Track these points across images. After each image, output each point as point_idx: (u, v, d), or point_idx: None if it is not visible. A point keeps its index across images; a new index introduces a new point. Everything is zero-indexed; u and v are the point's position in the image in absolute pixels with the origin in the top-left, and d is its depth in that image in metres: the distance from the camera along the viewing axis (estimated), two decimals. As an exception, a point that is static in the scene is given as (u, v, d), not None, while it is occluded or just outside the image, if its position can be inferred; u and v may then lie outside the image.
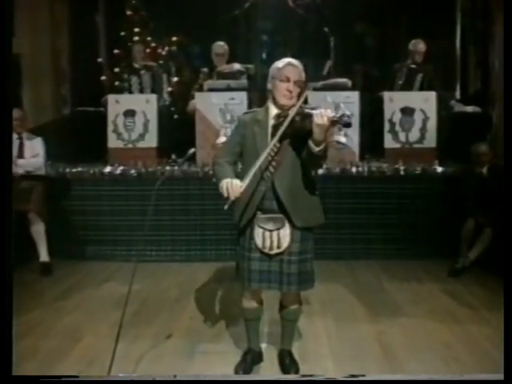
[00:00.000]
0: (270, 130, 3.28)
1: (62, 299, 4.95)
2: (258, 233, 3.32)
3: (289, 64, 3.27)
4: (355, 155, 6.42)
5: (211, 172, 5.99)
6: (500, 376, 2.58)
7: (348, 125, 3.03)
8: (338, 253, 6.14)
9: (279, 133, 3.16)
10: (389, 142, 6.51)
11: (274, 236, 3.30)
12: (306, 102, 3.30)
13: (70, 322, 4.41)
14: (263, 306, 3.63)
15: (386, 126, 6.50)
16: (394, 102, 6.52)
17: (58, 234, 6.09)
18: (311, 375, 3.28)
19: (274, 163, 3.26)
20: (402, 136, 6.48)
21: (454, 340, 4.01)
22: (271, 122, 3.29)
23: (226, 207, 3.13)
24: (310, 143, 3.09)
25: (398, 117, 6.48)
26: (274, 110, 3.32)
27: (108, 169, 6.33)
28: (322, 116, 3.01)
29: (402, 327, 4.27)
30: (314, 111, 3.07)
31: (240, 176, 3.25)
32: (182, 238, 6.25)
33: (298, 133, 3.16)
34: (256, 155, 3.21)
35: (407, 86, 7.06)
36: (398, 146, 6.48)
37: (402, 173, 6.16)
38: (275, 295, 3.65)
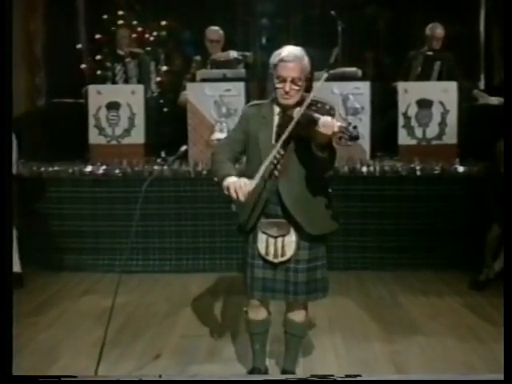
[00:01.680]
0: (274, 128, 3.29)
1: (36, 314, 4.94)
2: (261, 239, 3.35)
3: (282, 60, 3.20)
4: (365, 153, 6.41)
5: (205, 172, 6.13)
6: (500, 376, 2.69)
7: (355, 138, 3.01)
8: (347, 262, 6.14)
9: (283, 137, 3.16)
10: (403, 139, 6.49)
11: (278, 243, 3.33)
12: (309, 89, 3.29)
13: (46, 340, 4.40)
14: (271, 317, 3.64)
15: (401, 121, 6.48)
16: (409, 93, 6.50)
17: (32, 241, 6.08)
18: (311, 375, 3.30)
19: (279, 167, 3.27)
20: (418, 131, 6.47)
21: (476, 360, 4.00)
22: (276, 119, 3.30)
23: (234, 209, 3.19)
24: (313, 147, 3.10)
25: (413, 110, 6.46)
26: (277, 107, 3.32)
27: (89, 168, 6.32)
28: (327, 126, 3.00)
29: (419, 346, 4.27)
30: (320, 116, 3.05)
31: (245, 176, 3.24)
32: (172, 246, 6.24)
33: (305, 135, 3.16)
34: (258, 154, 3.23)
35: (424, 76, 7.05)
36: (413, 142, 6.47)
37: (418, 173, 6.15)
38: (280, 307, 3.64)
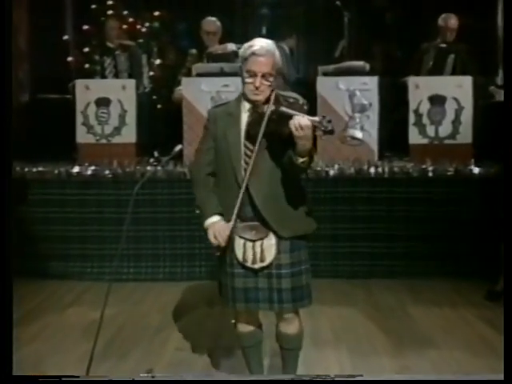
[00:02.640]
0: (243, 126, 3.29)
1: (18, 326, 4.91)
2: (238, 244, 3.34)
3: (254, 54, 3.20)
4: (373, 153, 6.41)
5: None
6: (500, 376, 2.75)
7: (329, 132, 3.02)
8: (353, 270, 6.13)
9: (259, 137, 3.17)
10: (414, 138, 6.50)
11: (256, 247, 3.32)
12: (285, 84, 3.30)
13: (28, 356, 4.37)
14: (262, 328, 3.64)
15: (412, 118, 6.49)
16: (420, 88, 6.51)
17: (15, 247, 6.05)
18: (311, 375, 3.30)
19: (248, 167, 3.24)
20: (430, 130, 6.47)
21: (493, 377, 3.98)
22: (244, 116, 3.30)
23: (217, 254, 3.33)
24: (292, 154, 3.10)
25: (425, 107, 6.46)
26: (246, 104, 3.31)
27: (76, 169, 6.32)
28: (300, 126, 3.00)
29: (431, 361, 4.25)
30: (294, 113, 3.06)
31: (216, 184, 3.36)
32: (165, 253, 6.24)
33: (276, 133, 3.16)
34: (228, 155, 3.27)
35: (437, 70, 7.06)
36: (425, 141, 6.47)
37: (430, 174, 6.16)
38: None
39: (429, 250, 6.10)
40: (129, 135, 6.59)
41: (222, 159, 3.32)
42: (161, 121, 7.41)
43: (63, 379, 2.64)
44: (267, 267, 3.33)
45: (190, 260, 6.22)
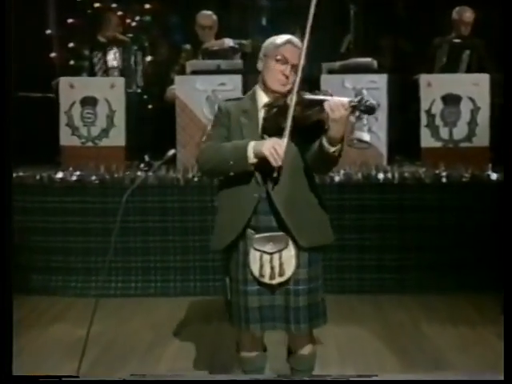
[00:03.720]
0: (260, 122, 3.30)
1: (-3, 345, 4.90)
2: (254, 257, 3.29)
3: (289, 42, 3.29)
4: (382, 157, 6.43)
5: (196, 179, 6.11)
6: (500, 376, 2.85)
7: (371, 110, 3.02)
8: (361, 284, 6.13)
9: (288, 126, 3.14)
10: (427, 140, 6.51)
11: (274, 260, 3.28)
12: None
13: (9, 376, 4.35)
14: (266, 352, 3.63)
15: (424, 119, 6.51)
16: (433, 87, 6.52)
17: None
18: (311, 375, 3.34)
19: (268, 165, 3.21)
20: (444, 132, 6.48)
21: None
22: (261, 113, 3.31)
23: (275, 175, 3.13)
24: (325, 142, 3.08)
25: (438, 107, 6.48)
26: (263, 98, 3.34)
27: (60, 174, 6.30)
28: (336, 106, 3.00)
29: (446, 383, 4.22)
30: (321, 97, 3.07)
31: (223, 187, 3.34)
32: (157, 266, 6.23)
33: (302, 124, 3.17)
34: None
35: (451, 67, 7.07)
36: (438, 144, 6.49)
37: (443, 180, 6.16)
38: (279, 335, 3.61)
39: (443, 262, 6.10)
40: (117, 138, 6.58)
41: None
42: (152, 122, 7.40)
43: (63, 379, 2.73)
44: (285, 282, 3.31)
45: (184, 274, 6.21)
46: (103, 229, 6.02)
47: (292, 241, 3.28)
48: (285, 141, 3.11)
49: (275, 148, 3.09)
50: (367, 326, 5.29)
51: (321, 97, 3.11)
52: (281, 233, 3.28)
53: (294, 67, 3.25)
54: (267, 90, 3.32)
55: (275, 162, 3.09)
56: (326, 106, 3.03)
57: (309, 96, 3.17)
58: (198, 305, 5.79)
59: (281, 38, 3.30)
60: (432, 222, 6.13)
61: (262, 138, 3.23)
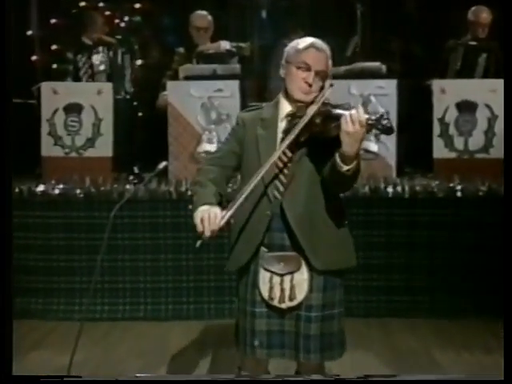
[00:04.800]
0: (279, 134, 3.29)
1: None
2: (263, 278, 3.30)
3: (312, 46, 3.28)
4: (391, 169, 6.43)
5: (189, 192, 6.09)
6: (500, 376, 2.93)
7: (389, 131, 3.02)
8: (368, 307, 6.13)
9: (290, 136, 3.15)
10: (440, 151, 6.51)
11: (285, 283, 3.28)
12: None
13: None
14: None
15: (436, 128, 6.51)
16: (447, 93, 6.53)
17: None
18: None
19: (283, 179, 3.24)
20: (458, 142, 6.48)
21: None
22: (282, 123, 3.31)
23: (197, 245, 3.15)
24: (338, 159, 3.07)
25: (452, 115, 6.48)
26: (286, 107, 3.34)
27: (41, 187, 6.30)
28: (352, 121, 2.98)
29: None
30: (341, 111, 3.07)
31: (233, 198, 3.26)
32: (147, 287, 6.22)
33: (319, 139, 3.16)
34: (258, 165, 3.21)
35: (466, 72, 7.07)
36: (452, 155, 6.49)
37: (458, 194, 6.16)
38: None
39: (457, 284, 6.09)
40: (104, 148, 6.58)
41: (251, 169, 3.27)
42: (142, 131, 7.41)
43: (65, 379, 2.81)
44: (296, 307, 3.30)
45: (176, 296, 6.20)
46: (89, 246, 6.02)
47: (305, 262, 3.27)
48: (227, 215, 3.13)
49: (206, 219, 3.12)
50: (375, 351, 5.29)
51: (341, 111, 3.08)
52: (293, 253, 3.27)
53: (319, 74, 3.25)
54: (290, 98, 3.32)
55: (204, 230, 3.12)
56: (343, 118, 3.01)
57: (331, 109, 3.15)
58: (192, 330, 5.77)
59: (303, 42, 3.29)
60: (445, 239, 6.12)
61: (281, 151, 3.22)
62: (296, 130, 3.15)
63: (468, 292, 6.08)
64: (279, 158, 3.23)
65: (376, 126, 3.00)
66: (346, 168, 3.05)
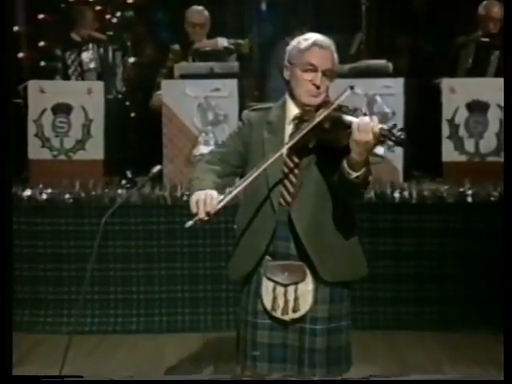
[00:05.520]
0: (286, 139, 3.28)
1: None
2: (266, 288, 3.31)
3: (315, 44, 3.26)
4: (398, 173, 6.44)
5: (185, 197, 6.08)
6: (500, 376, 3.06)
7: (402, 143, 3.01)
8: (374, 319, 6.15)
9: (295, 138, 3.15)
10: (449, 154, 6.51)
11: (289, 293, 3.29)
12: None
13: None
14: None
15: (446, 130, 6.51)
16: (457, 93, 6.53)
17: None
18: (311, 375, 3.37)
19: (290, 188, 3.25)
20: (469, 144, 6.49)
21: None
22: (289, 127, 3.31)
23: (188, 224, 3.15)
24: (346, 166, 3.07)
25: (463, 115, 6.49)
26: (293, 110, 3.33)
27: (28, 192, 6.30)
28: (364, 129, 2.98)
29: None
30: (352, 119, 3.06)
31: (240, 212, 3.37)
32: (140, 298, 6.22)
33: (328, 146, 3.16)
34: (263, 173, 3.22)
35: (477, 70, 7.07)
36: (463, 158, 6.50)
37: (469, 199, 6.17)
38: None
39: (468, 295, 6.09)
40: (94, 150, 6.58)
41: (255, 177, 3.27)
42: (135, 133, 7.41)
43: (65, 379, 2.98)
44: (300, 320, 3.30)
45: (171, 306, 6.20)
46: (78, 255, 6.03)
47: (311, 273, 3.28)
48: (225, 200, 3.15)
49: (202, 201, 3.13)
50: (381, 365, 5.29)
51: (349, 118, 3.08)
52: (298, 262, 3.28)
53: (326, 73, 3.23)
54: (297, 101, 3.31)
55: (199, 211, 3.13)
56: (354, 125, 3.00)
57: (342, 114, 3.14)
58: (188, 343, 5.77)
59: (305, 41, 3.27)
60: (455, 247, 6.13)
61: (288, 157, 3.23)
62: (301, 133, 3.14)
63: (480, 303, 6.08)
64: (285, 164, 3.23)
65: (389, 138, 2.99)
66: (354, 175, 3.05)
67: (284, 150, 3.20)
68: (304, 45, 3.26)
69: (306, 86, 3.24)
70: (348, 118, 3.09)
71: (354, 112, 3.17)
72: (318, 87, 3.23)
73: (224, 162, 3.38)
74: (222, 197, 3.15)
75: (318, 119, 3.13)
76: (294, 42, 3.33)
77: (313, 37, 3.28)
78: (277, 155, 3.16)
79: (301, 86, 3.26)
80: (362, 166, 3.04)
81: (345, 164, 3.05)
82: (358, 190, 3.18)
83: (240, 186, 3.16)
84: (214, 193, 3.18)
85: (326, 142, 3.15)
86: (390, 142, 3.01)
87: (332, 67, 3.25)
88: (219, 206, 3.14)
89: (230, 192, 3.15)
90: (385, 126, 3.00)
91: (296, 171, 3.25)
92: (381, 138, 2.99)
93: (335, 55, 3.28)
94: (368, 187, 3.21)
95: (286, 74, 3.33)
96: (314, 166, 3.23)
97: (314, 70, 3.23)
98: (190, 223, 3.13)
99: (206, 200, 3.13)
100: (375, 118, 3.00)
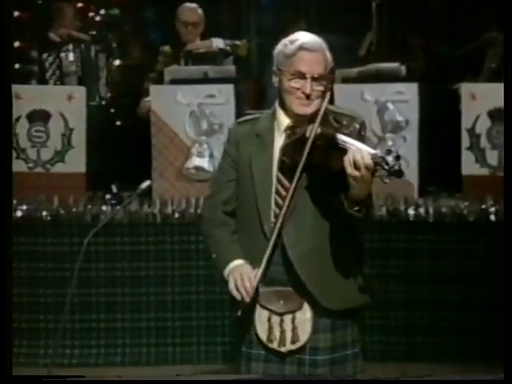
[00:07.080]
0: (275, 153, 3.30)
1: None
2: (260, 317, 3.32)
3: (302, 48, 3.25)
4: (413, 188, 6.44)
5: (176, 215, 6.09)
6: (500, 376, 3.14)
7: (396, 174, 3.00)
8: (386, 350, 6.16)
9: (298, 170, 3.17)
10: (469, 167, 6.51)
11: (285, 323, 3.30)
12: (331, 101, 3.34)
13: None
14: None
15: (465, 141, 6.51)
16: (478, 100, 6.53)
17: None
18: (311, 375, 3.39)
19: (278, 212, 3.24)
20: (491, 156, 6.49)
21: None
22: (279, 139, 3.32)
23: (239, 314, 3.25)
24: (344, 200, 3.09)
25: (484, 125, 6.48)
26: (284, 120, 3.33)
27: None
28: (355, 164, 2.98)
29: None
30: (348, 143, 3.04)
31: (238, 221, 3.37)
32: (125, 326, 6.23)
33: (322, 166, 3.16)
34: (252, 192, 3.26)
35: (501, 74, 7.07)
36: (484, 172, 6.49)
37: (492, 217, 6.18)
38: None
39: (490, 324, 6.07)
40: (75, 162, 6.59)
41: (245, 196, 3.32)
42: (121, 143, 7.42)
43: (67, 379, 3.02)
44: (298, 351, 3.31)
45: (160, 336, 6.21)
46: (56, 278, 6.04)
47: (308, 300, 3.29)
48: (259, 273, 3.21)
49: (241, 284, 3.22)
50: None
51: (345, 141, 3.05)
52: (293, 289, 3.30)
53: (318, 79, 3.22)
54: (287, 111, 3.31)
55: (243, 298, 3.22)
56: (345, 160, 2.99)
57: (334, 134, 3.12)
58: (178, 375, 5.76)
59: (292, 44, 3.25)
60: (476, 270, 6.14)
61: (280, 174, 3.25)
62: (300, 164, 3.15)
63: (500, 333, 6.08)
64: (275, 185, 3.26)
65: (383, 167, 2.98)
66: (355, 208, 3.09)
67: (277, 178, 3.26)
68: (290, 49, 3.24)
69: (295, 95, 3.24)
70: (342, 140, 3.06)
71: (350, 126, 3.18)
72: (308, 96, 3.21)
73: (229, 202, 3.41)
74: (255, 271, 3.22)
75: (310, 139, 3.13)
76: (279, 46, 3.32)
77: (300, 38, 3.26)
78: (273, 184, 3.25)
79: (290, 94, 3.25)
80: (364, 200, 3.09)
81: (343, 199, 3.08)
82: (359, 221, 3.19)
83: (268, 251, 3.21)
84: (249, 270, 3.25)
85: (320, 162, 3.15)
86: (384, 172, 2.99)
87: (324, 71, 3.24)
88: (255, 283, 3.21)
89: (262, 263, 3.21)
90: (378, 153, 2.98)
91: (287, 193, 3.23)
92: (376, 167, 2.98)
93: (328, 56, 3.27)
94: (371, 219, 3.25)
95: (275, 80, 3.33)
96: (308, 188, 3.23)
97: (303, 77, 3.22)
98: (239, 313, 3.25)
99: (244, 283, 3.21)
100: (365, 151, 2.98)
